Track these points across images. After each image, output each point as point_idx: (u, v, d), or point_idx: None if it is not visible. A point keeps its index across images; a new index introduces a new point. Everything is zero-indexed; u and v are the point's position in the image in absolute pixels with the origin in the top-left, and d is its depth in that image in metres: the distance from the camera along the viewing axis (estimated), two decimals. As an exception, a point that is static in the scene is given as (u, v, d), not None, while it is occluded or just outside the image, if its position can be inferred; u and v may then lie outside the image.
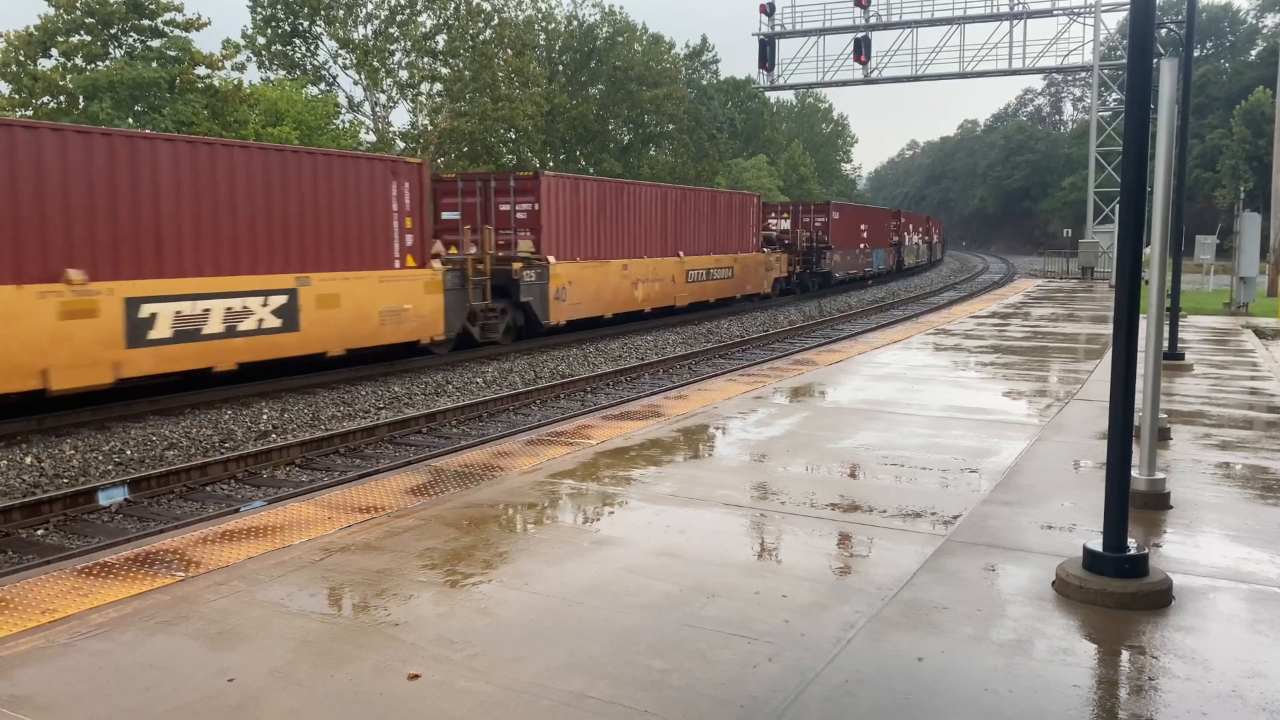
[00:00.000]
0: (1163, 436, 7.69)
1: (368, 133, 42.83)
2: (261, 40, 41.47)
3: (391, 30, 42.73)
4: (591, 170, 50.95)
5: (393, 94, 44.20)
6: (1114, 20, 51.45)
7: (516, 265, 20.50)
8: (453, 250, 19.80)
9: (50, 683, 3.70)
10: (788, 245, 36.87)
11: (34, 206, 12.07)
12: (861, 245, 44.24)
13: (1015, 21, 38.89)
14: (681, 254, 27.58)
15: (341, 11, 41.50)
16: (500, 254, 20.89)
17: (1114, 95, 45.88)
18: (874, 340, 15.99)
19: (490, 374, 17.67)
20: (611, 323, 24.30)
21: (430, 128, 43.63)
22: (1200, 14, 75.97)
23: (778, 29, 41.39)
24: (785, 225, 38.71)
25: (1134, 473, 5.29)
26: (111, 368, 12.82)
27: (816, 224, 39.24)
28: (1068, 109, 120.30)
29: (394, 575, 4.85)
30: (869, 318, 29.54)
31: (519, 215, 21.87)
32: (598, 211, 23.64)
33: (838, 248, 40.06)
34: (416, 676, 3.73)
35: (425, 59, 43.93)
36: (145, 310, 13.20)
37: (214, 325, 14.09)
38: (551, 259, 21.60)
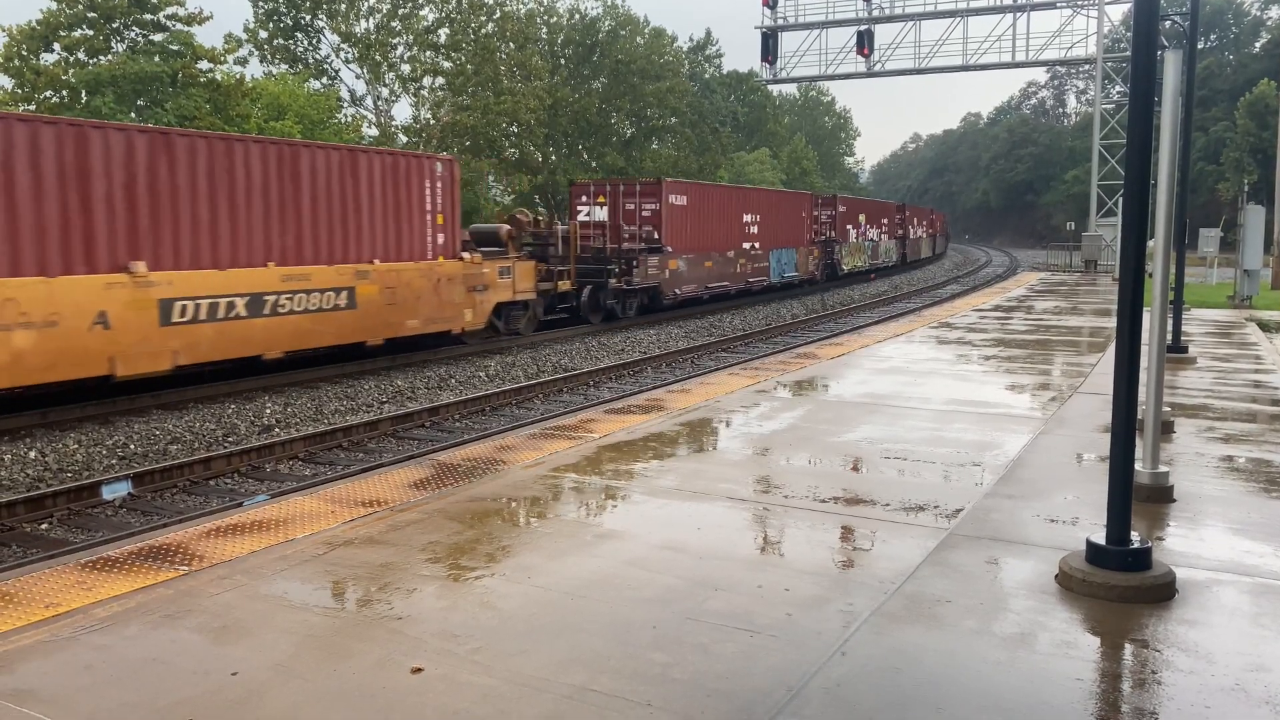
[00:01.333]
0: (1166, 430, 7.67)
1: (370, 126, 42.83)
2: (264, 34, 41.42)
3: (393, 24, 42.65)
4: (593, 164, 50.78)
5: (395, 88, 44.13)
6: (1118, 13, 51.35)
7: None
8: None
9: (53, 676, 3.71)
10: (537, 246, 22.70)
11: None
12: (747, 245, 31.07)
13: (1019, 14, 38.83)
14: (141, 267, 13.39)
15: (343, 5, 41.44)
16: None
17: (1118, 88, 45.77)
18: (877, 334, 15.97)
19: (493, 368, 17.70)
20: None
21: (433, 122, 43.58)
22: (1204, 6, 75.80)
23: (780, 22, 41.34)
24: (601, 215, 26.32)
25: (1137, 466, 5.29)
26: None
27: (644, 213, 26.13)
28: (1071, 102, 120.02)
29: (397, 569, 4.85)
30: (871, 311, 29.55)
31: None
32: None
33: (680, 250, 26.73)
34: (419, 670, 3.74)
35: (427, 53, 43.87)
36: None
37: None
38: None
